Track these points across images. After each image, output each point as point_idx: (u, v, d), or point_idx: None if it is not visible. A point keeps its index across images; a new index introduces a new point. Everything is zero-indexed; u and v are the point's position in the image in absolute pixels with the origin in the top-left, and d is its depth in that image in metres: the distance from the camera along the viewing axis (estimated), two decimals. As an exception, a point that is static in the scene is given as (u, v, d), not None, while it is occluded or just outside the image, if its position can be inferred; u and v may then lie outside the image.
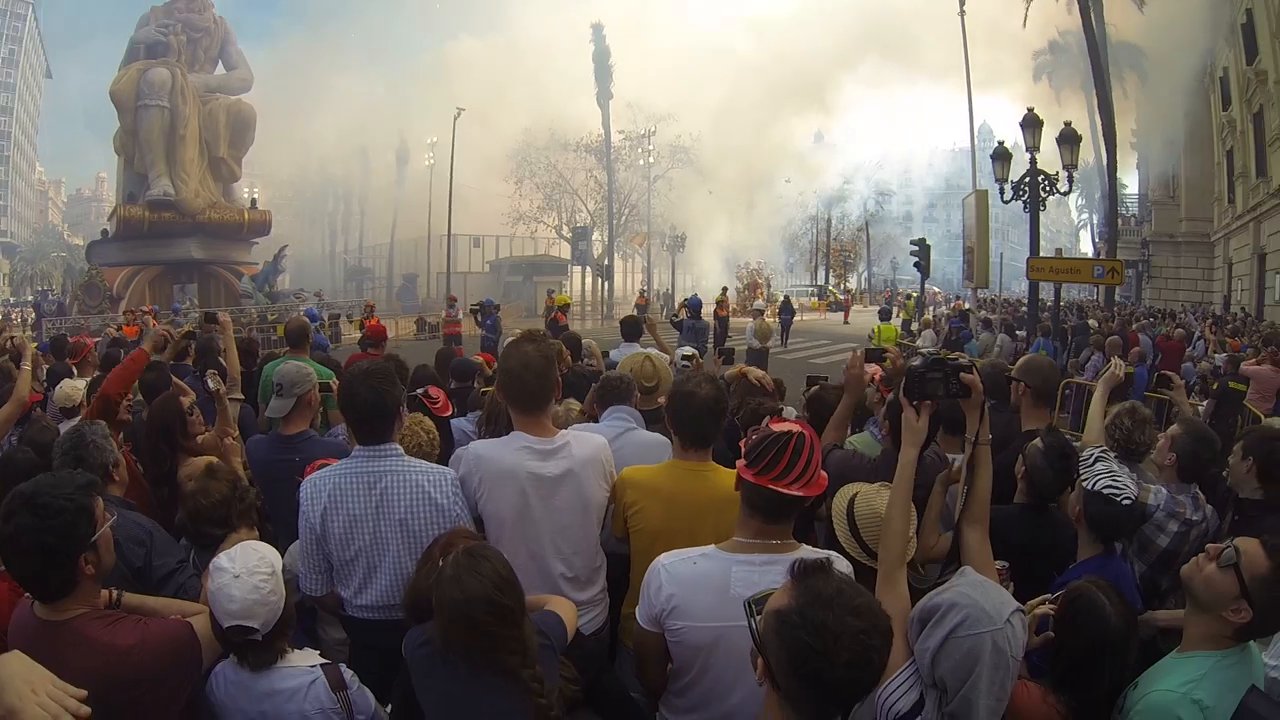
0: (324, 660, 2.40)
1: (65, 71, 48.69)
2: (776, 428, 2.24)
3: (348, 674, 2.38)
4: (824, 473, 2.28)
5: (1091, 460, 2.84)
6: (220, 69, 36.77)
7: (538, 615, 2.30)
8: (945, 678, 1.89)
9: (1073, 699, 2.18)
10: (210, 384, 4.20)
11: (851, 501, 2.70)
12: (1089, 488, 2.74)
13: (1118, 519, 2.75)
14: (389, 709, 2.51)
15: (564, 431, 3.00)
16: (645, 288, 27.25)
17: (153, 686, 2.16)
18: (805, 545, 2.32)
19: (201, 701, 2.36)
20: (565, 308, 16.82)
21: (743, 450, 2.28)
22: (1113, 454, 3.03)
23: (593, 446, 3.00)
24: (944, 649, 1.89)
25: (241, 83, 36.61)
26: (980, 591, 1.96)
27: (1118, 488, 2.71)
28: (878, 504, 2.60)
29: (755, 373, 4.86)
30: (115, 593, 2.49)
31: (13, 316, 34.43)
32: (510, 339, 3.13)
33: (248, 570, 2.19)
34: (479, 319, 17.27)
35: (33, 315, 32.60)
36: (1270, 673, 2.33)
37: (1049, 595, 2.45)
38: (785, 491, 2.17)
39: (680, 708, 2.41)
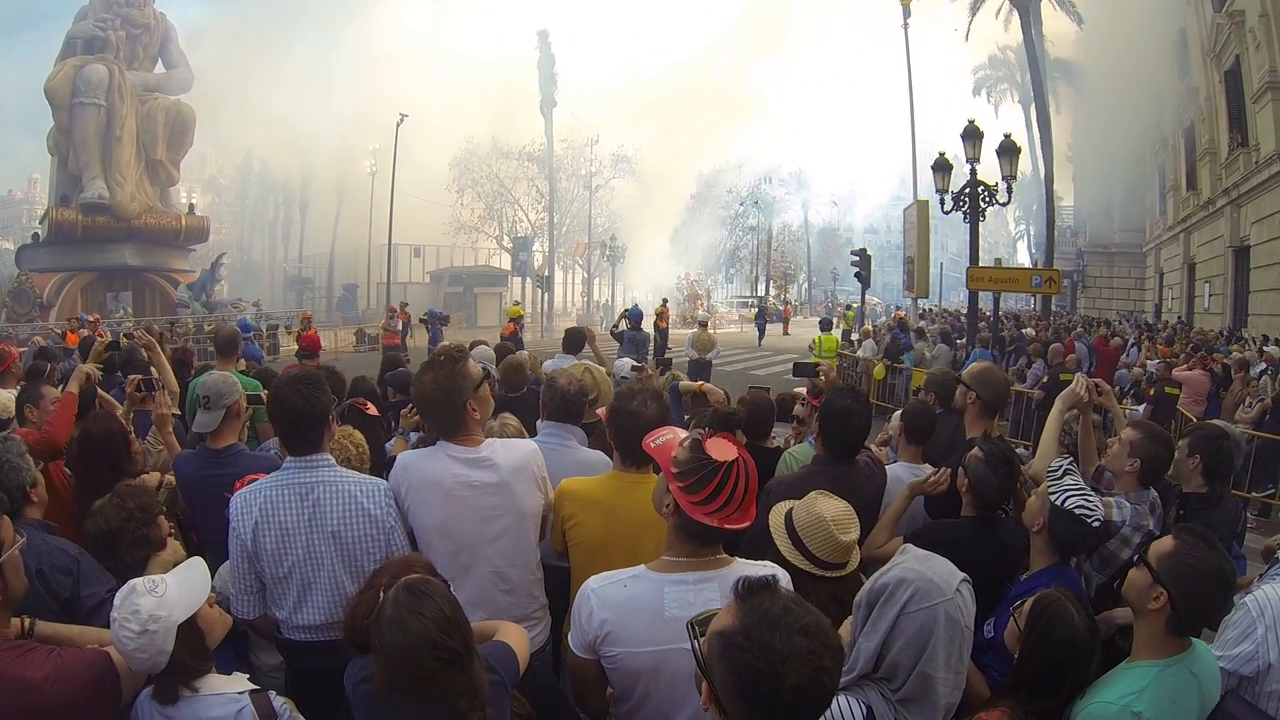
0: (253, 687, 2.26)
1: (-2, 66, 46.73)
2: (714, 453, 2.11)
3: (278, 702, 2.23)
4: (754, 507, 2.20)
5: (1060, 472, 2.83)
6: (160, 68, 35.60)
7: (486, 648, 2.18)
8: (899, 658, 1.88)
9: (1031, 706, 2.18)
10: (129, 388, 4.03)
11: (789, 515, 2.64)
12: (1058, 503, 2.73)
13: (1084, 539, 2.77)
14: None
15: (490, 440, 2.92)
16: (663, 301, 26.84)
17: (72, 718, 2.02)
18: (740, 559, 2.24)
19: None
20: (518, 319, 16.69)
21: (673, 459, 2.16)
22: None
23: (522, 453, 2.92)
24: (897, 627, 1.88)
25: (181, 83, 35.47)
26: (926, 564, 1.98)
27: (1089, 509, 2.71)
28: (817, 509, 2.57)
29: (716, 393, 4.87)
30: (28, 621, 2.35)
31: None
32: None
33: (119, 620, 2.04)
34: (428, 328, 17.24)
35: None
36: (1221, 663, 2.37)
37: None
38: (715, 525, 2.08)
39: None
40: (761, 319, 37.16)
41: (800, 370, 4.56)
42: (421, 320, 20.94)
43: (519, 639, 2.37)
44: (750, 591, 1.48)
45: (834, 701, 1.86)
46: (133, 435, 4.00)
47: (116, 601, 2.07)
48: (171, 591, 2.13)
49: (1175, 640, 2.18)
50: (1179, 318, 26.49)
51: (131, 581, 2.14)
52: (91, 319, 20.40)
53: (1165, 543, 2.23)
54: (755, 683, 1.37)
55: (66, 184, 32.39)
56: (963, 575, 1.99)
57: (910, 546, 2.09)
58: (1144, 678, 2.13)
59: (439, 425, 2.87)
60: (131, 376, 4.56)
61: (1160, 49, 26.46)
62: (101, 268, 32.52)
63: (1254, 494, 8.51)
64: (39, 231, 34.34)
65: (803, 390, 4.32)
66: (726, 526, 2.08)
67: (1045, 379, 11.46)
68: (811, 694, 1.37)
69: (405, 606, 1.97)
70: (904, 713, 1.90)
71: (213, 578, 3.08)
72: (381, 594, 2.07)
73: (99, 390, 4.96)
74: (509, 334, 14.67)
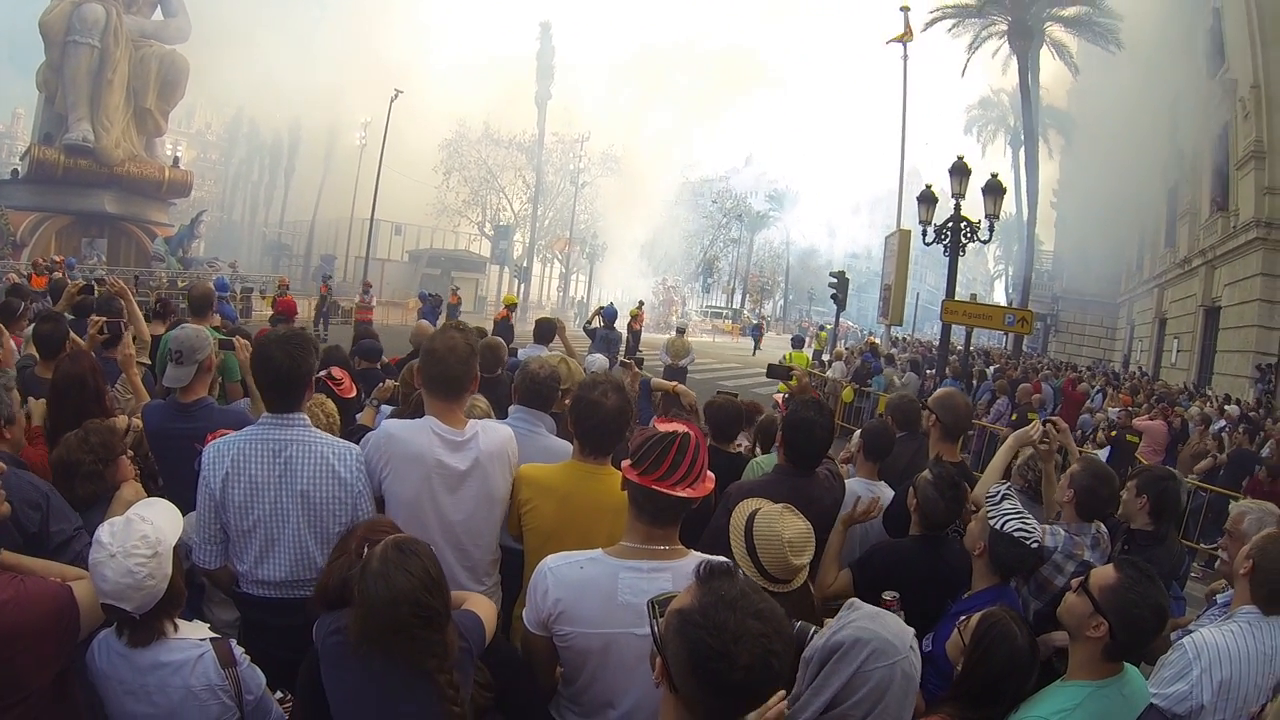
0: (214, 635, 2.30)
1: (-10, -5, 45.57)
2: (663, 428, 2.22)
3: (238, 650, 2.28)
4: (710, 474, 2.27)
5: (999, 498, 2.94)
6: (159, 15, 34.97)
7: (457, 615, 2.22)
8: (849, 712, 1.91)
9: (969, 714, 2.28)
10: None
11: (751, 518, 2.70)
12: (997, 527, 2.82)
13: (1023, 560, 2.86)
14: (277, 696, 2.43)
15: (473, 422, 2.96)
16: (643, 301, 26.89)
17: (26, 647, 2.04)
18: (694, 552, 2.31)
19: (77, 669, 2.24)
20: (512, 306, 16.76)
21: (629, 449, 2.26)
22: (1015, 492, 3.16)
23: (500, 439, 2.97)
24: (850, 684, 1.92)
25: (178, 32, 34.77)
26: (879, 623, 2.02)
27: (1027, 531, 2.81)
28: (778, 526, 2.62)
29: (689, 395, 4.93)
30: None
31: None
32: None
33: (124, 550, 2.06)
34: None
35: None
36: (1155, 700, 2.49)
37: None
38: (670, 493, 2.15)
39: (575, 713, 2.38)
40: (756, 330, 38.01)
41: (774, 372, 4.63)
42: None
43: (487, 610, 2.42)
44: (711, 574, 1.55)
45: None
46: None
47: (107, 537, 2.08)
48: (156, 518, 2.18)
49: (1109, 664, 2.29)
50: (1140, 369, 27.04)
51: (113, 518, 2.17)
52: (58, 259, 20.05)
53: (1107, 574, 2.32)
54: (708, 659, 1.44)
55: (52, 122, 31.75)
56: (912, 631, 2.06)
57: (857, 602, 2.14)
58: (1077, 696, 2.24)
59: (448, 385, 2.86)
60: (94, 318, 4.53)
61: (1152, 108, 26.94)
62: (79, 212, 31.87)
63: (1202, 545, 8.73)
64: (18, 168, 33.63)
65: (777, 398, 4.39)
66: (675, 493, 2.14)
67: (1014, 415, 11.70)
68: (760, 675, 1.44)
69: (393, 562, 2.01)
70: None
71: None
72: (365, 549, 2.12)
73: (70, 332, 4.94)
74: (501, 318, 14.79)
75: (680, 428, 2.21)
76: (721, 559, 1.71)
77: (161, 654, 2.17)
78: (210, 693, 2.19)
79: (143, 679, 2.16)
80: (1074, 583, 2.40)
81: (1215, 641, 2.63)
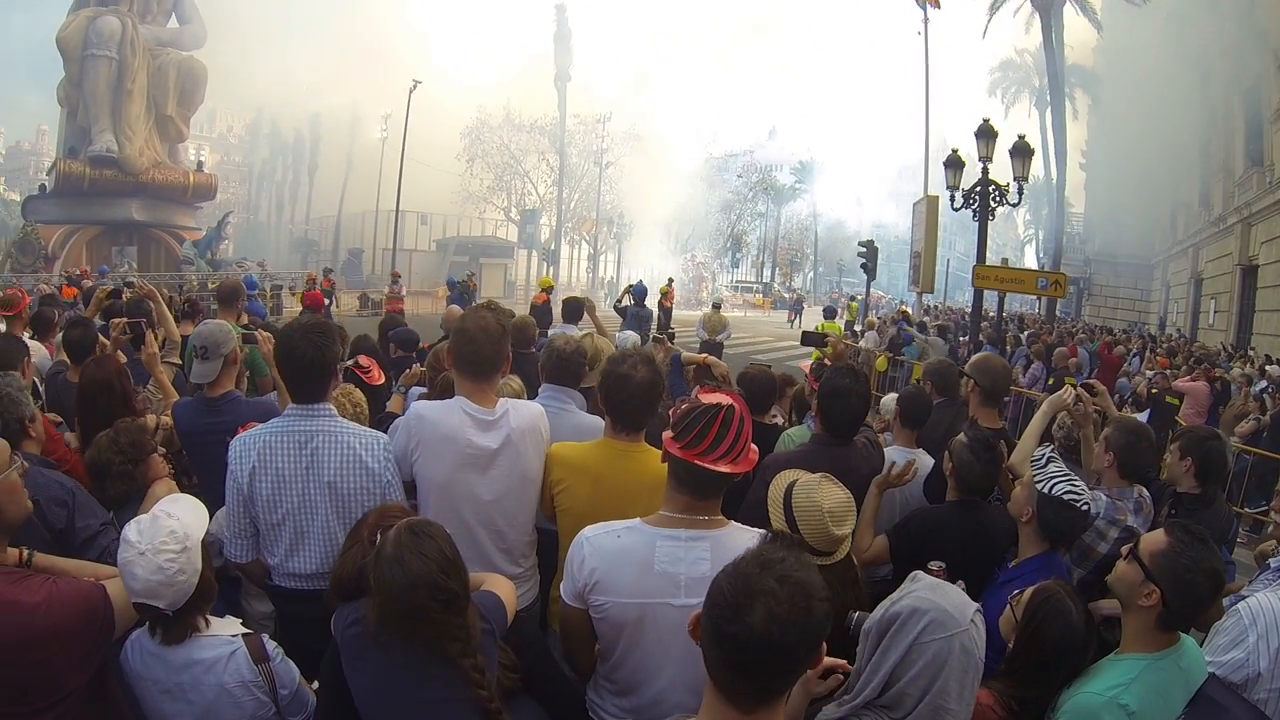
0: (246, 630, 2.29)
1: (8, 15, 46.21)
2: (705, 399, 2.13)
3: (270, 645, 2.27)
4: (754, 447, 2.18)
5: (1044, 461, 2.84)
6: (173, 22, 35.30)
7: (477, 596, 2.18)
8: (907, 689, 1.84)
9: (1021, 694, 2.19)
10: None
11: (790, 490, 2.62)
12: (1045, 490, 2.73)
13: (1074, 524, 2.77)
14: (314, 686, 2.40)
15: (504, 400, 2.92)
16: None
17: (62, 648, 2.03)
18: (734, 523, 2.23)
19: (112, 668, 2.24)
20: (549, 289, 16.75)
21: (670, 421, 2.17)
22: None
23: (531, 416, 2.92)
24: (907, 658, 1.85)
25: (194, 39, 35.17)
26: (939, 594, 1.94)
27: (1077, 493, 2.71)
28: (817, 496, 2.55)
29: (720, 366, 4.83)
30: (26, 552, 2.37)
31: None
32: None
33: (153, 548, 2.04)
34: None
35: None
36: (1210, 669, 2.37)
37: None
38: (712, 468, 2.07)
39: (610, 691, 2.33)
40: (799, 305, 38.31)
41: (808, 340, 4.52)
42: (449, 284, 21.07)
43: (507, 590, 2.37)
44: (772, 538, 1.49)
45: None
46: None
47: (135, 535, 2.07)
48: (182, 513, 2.16)
49: (1164, 635, 2.18)
50: (1179, 331, 26.48)
51: (140, 516, 2.16)
52: (81, 270, 20.35)
53: (1157, 539, 2.21)
54: (717, 607, 1.38)
55: (75, 136, 32.20)
56: (976, 605, 1.96)
57: (920, 574, 2.07)
58: (1132, 670, 2.13)
59: (479, 365, 2.83)
60: (115, 320, 4.56)
61: (1181, 63, 26.23)
62: (107, 221, 32.41)
63: (1247, 509, 8.51)
64: (46, 183, 34.18)
65: (804, 367, 4.29)
66: (717, 468, 2.06)
67: (1050, 381, 11.48)
68: (763, 640, 1.33)
69: (407, 546, 1.96)
70: None
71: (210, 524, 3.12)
72: (379, 536, 2.07)
73: (100, 336, 4.99)
74: (540, 303, 14.77)
75: (724, 399, 2.12)
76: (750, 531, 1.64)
77: (194, 651, 2.16)
78: (244, 689, 2.17)
79: (177, 677, 2.15)
80: (1124, 550, 2.30)
81: (1272, 606, 2.51)
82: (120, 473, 2.96)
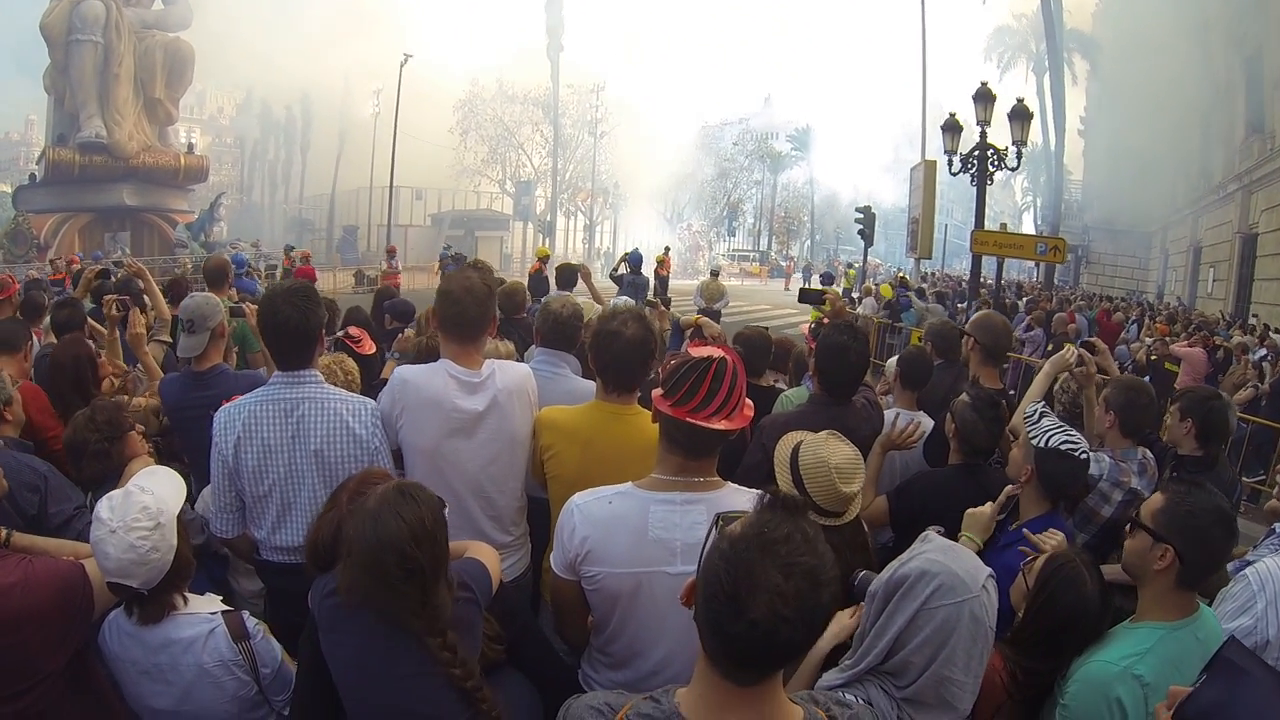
0: (226, 608, 2.22)
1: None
2: (696, 353, 2.02)
3: (251, 622, 2.20)
4: (750, 402, 2.08)
5: (1037, 416, 2.78)
6: (158, 4, 34.82)
7: (460, 564, 2.09)
8: (912, 656, 1.75)
9: (1027, 664, 2.12)
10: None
11: (796, 450, 2.52)
12: (1041, 444, 2.66)
13: (1074, 474, 2.69)
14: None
15: (489, 361, 2.84)
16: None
17: (37, 630, 1.98)
18: (731, 484, 2.13)
19: (90, 649, 2.18)
20: (545, 259, 16.68)
21: (660, 378, 2.07)
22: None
23: (518, 376, 2.85)
24: (914, 622, 1.75)
25: (179, 19, 34.68)
26: (951, 556, 1.84)
27: (1074, 442, 2.65)
28: (824, 453, 2.45)
29: (713, 328, 4.73)
30: (4, 532, 2.33)
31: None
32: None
33: (125, 525, 1.96)
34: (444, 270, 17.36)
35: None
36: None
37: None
38: (705, 425, 1.96)
39: (605, 664, 2.24)
40: (808, 272, 37.97)
41: (806, 297, 4.43)
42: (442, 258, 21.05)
43: (491, 557, 2.27)
44: (773, 504, 1.34)
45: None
46: (108, 361, 4.07)
47: (106, 513, 2.00)
48: (157, 487, 2.09)
49: (1183, 599, 2.09)
50: (1179, 300, 26.41)
51: (112, 492, 2.09)
52: (70, 260, 20.26)
53: (1155, 500, 2.15)
54: (715, 598, 1.26)
55: (63, 123, 31.87)
56: (989, 571, 1.85)
57: (932, 534, 1.98)
58: (1148, 639, 2.05)
59: (464, 326, 2.76)
60: (107, 297, 4.51)
61: (1181, 29, 25.93)
62: (99, 208, 32.09)
63: (1245, 478, 8.46)
64: (36, 172, 33.88)
65: (804, 330, 4.23)
66: (711, 425, 1.96)
67: (1049, 347, 11.43)
68: (763, 639, 1.23)
69: (390, 504, 1.87)
70: (909, 711, 1.77)
71: (197, 502, 3.07)
72: (347, 504, 2.00)
73: (89, 319, 4.93)
74: (535, 271, 14.73)
75: (715, 352, 2.01)
76: (749, 493, 1.53)
77: (171, 631, 2.09)
78: (224, 669, 2.11)
79: (154, 658, 2.08)
80: (1127, 529, 2.20)
81: None
82: (97, 451, 2.90)
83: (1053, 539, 2.48)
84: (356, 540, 1.84)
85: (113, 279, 6.85)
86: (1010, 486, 2.78)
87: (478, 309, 2.74)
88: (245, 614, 2.22)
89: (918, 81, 35.56)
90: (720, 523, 1.37)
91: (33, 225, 30.36)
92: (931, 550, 1.85)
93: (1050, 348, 11.30)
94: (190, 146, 36.95)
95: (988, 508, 2.70)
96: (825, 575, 1.26)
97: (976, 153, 14.22)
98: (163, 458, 3.37)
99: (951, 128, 14.83)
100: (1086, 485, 3.00)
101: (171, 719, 2.14)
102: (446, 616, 1.90)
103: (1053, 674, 2.14)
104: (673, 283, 22.05)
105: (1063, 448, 2.63)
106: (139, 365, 4.31)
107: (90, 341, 4.33)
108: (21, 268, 25.12)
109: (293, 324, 2.61)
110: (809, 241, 60.62)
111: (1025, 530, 2.56)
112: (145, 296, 5.29)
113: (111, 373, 4.16)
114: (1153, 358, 11.42)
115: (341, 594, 1.89)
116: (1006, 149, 13.95)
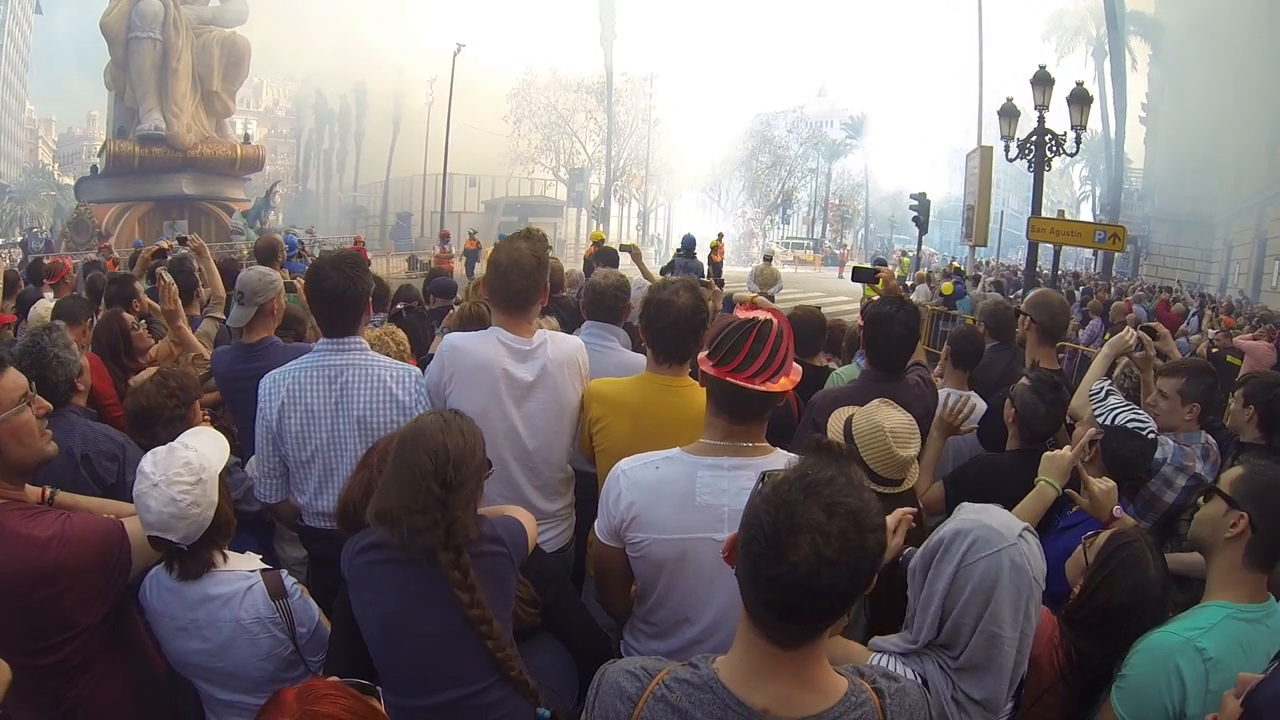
0: (265, 566, 2.22)
1: (55, 7, 47.03)
2: (743, 315, 1.97)
3: (289, 581, 2.19)
4: (797, 366, 2.01)
5: (1103, 394, 2.68)
6: (215, 0, 35.73)
7: (497, 519, 2.07)
8: (960, 619, 1.69)
9: (1081, 645, 2.02)
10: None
11: (849, 422, 2.49)
12: (1107, 423, 2.56)
13: (1143, 453, 2.60)
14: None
15: (541, 330, 2.82)
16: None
17: (74, 582, 2.00)
18: (780, 450, 2.07)
19: (130, 605, 2.20)
20: (600, 242, 16.69)
21: (705, 342, 2.03)
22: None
23: (569, 347, 2.82)
24: (955, 582, 1.70)
25: (236, 15, 35.46)
26: (983, 514, 1.79)
27: (1141, 421, 2.55)
28: (878, 418, 2.41)
29: (766, 303, 4.67)
30: (49, 491, 2.35)
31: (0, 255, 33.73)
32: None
33: (167, 479, 1.97)
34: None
35: (20, 255, 31.92)
36: None
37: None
38: (746, 385, 1.90)
39: (648, 634, 2.20)
40: (877, 260, 37.40)
41: (859, 275, 4.35)
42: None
43: (528, 519, 2.24)
44: (818, 448, 1.30)
45: (886, 664, 1.73)
46: (141, 331, 4.28)
47: (150, 467, 2.01)
48: (201, 444, 2.10)
49: (1252, 581, 1.98)
50: (1241, 294, 25.50)
51: (157, 448, 2.09)
52: (105, 246, 20.90)
53: (1234, 470, 2.06)
54: (754, 541, 1.20)
55: (124, 117, 32.75)
56: (1024, 524, 1.79)
57: (965, 505, 1.91)
58: (1214, 616, 1.94)
59: (514, 298, 2.73)
60: (159, 269, 4.63)
61: (1248, 11, 24.97)
62: (158, 197, 32.94)
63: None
64: (97, 163, 34.92)
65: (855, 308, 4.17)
66: (754, 386, 1.91)
67: (1108, 335, 11.10)
68: (805, 583, 1.15)
69: (434, 416, 1.96)
70: (963, 686, 1.71)
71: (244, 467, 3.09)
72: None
73: (144, 297, 5.04)
74: (590, 255, 14.75)
75: (760, 314, 1.96)
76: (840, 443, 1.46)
77: (210, 587, 2.09)
78: (260, 625, 2.10)
79: (192, 613, 2.09)
80: (1200, 500, 2.11)
81: None
82: (173, 417, 2.88)
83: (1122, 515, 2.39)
84: (398, 444, 1.91)
85: (167, 258, 7.01)
86: (1091, 430, 2.69)
87: (524, 280, 2.70)
88: (284, 573, 2.22)
89: (974, 69, 34.71)
90: (765, 479, 1.30)
91: (94, 215, 31.29)
92: (963, 512, 1.83)
93: (1108, 336, 10.98)
94: (247, 137, 37.76)
95: (1067, 450, 2.58)
96: (870, 520, 1.20)
97: (1034, 138, 13.84)
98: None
99: (1009, 112, 14.48)
100: (1149, 469, 2.88)
101: (208, 675, 2.16)
102: (465, 540, 1.89)
103: (1107, 661, 2.03)
104: (727, 270, 21.67)
105: (1130, 426, 2.53)
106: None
107: (142, 321, 4.44)
108: (82, 254, 25.97)
109: (339, 290, 2.62)
110: (863, 230, 59.96)
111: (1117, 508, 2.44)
112: (199, 274, 5.38)
113: (166, 352, 4.24)
114: (1214, 350, 11.01)
115: (371, 516, 1.92)
116: (1065, 134, 13.55)
